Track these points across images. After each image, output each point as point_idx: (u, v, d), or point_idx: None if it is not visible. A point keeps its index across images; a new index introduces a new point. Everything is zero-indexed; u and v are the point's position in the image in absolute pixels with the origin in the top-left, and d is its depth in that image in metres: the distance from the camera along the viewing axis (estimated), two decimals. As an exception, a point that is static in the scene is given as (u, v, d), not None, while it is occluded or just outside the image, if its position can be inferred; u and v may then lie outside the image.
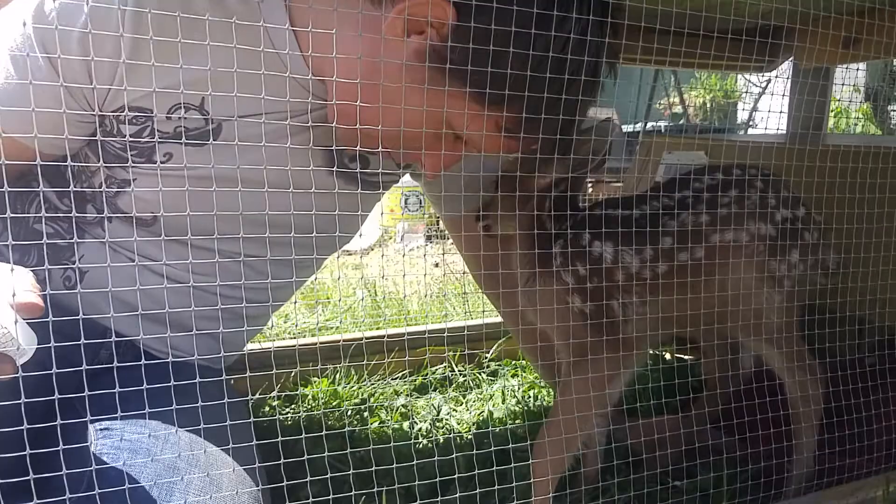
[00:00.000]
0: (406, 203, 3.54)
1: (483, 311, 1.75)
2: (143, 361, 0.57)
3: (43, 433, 0.53)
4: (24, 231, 0.83)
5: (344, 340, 1.34)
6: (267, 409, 1.22)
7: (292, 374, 1.25)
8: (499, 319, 1.47)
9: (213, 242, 0.77)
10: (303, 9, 0.73)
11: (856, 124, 5.53)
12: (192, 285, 0.81)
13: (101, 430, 0.71)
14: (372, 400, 1.29)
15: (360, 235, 0.90)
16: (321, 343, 1.33)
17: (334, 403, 1.26)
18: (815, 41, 1.21)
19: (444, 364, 1.43)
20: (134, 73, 0.70)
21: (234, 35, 0.57)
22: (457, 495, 0.73)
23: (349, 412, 1.23)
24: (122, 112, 0.74)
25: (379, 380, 1.35)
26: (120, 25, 0.67)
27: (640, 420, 1.05)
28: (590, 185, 0.91)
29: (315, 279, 1.93)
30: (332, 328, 1.70)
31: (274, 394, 1.19)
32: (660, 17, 0.70)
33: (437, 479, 0.73)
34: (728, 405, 0.94)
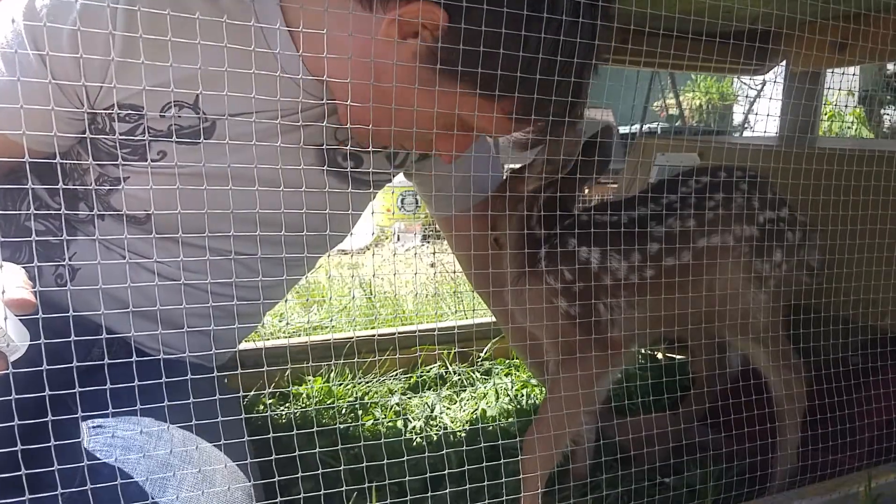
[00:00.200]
0: (402, 203, 3.55)
1: (474, 311, 1.76)
2: (134, 359, 0.58)
3: (35, 430, 0.53)
4: (15, 229, 0.83)
5: (335, 340, 1.35)
6: (261, 406, 1.23)
7: (286, 372, 1.26)
8: (492, 318, 1.48)
9: (206, 240, 0.77)
10: (296, 8, 0.74)
11: (849, 127, 5.56)
12: (183, 283, 0.82)
13: (93, 427, 0.72)
14: (366, 398, 1.30)
15: (352, 235, 0.91)
16: (312, 342, 1.34)
17: (328, 402, 1.27)
18: (804, 46, 1.22)
19: (439, 363, 1.44)
20: (127, 70, 0.69)
21: (227, 34, 0.58)
22: (446, 491, 0.74)
23: (343, 410, 1.24)
24: (115, 109, 0.74)
25: (373, 378, 1.36)
26: (112, 22, 0.67)
27: (627, 417, 1.06)
28: (587, 188, 0.92)
29: (310, 279, 1.94)
30: (326, 328, 1.71)
31: (268, 391, 1.20)
32: (649, 20, 0.71)
33: (428, 475, 0.74)
34: (715, 403, 0.96)
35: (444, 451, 0.74)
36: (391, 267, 2.34)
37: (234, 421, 0.77)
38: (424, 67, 0.68)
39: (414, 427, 1.21)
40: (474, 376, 1.42)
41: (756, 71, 1.59)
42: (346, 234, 0.95)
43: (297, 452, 0.64)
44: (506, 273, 0.88)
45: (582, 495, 0.91)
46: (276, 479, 0.64)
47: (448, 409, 1.30)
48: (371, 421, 1.22)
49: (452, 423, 1.24)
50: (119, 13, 0.68)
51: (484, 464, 0.84)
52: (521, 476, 0.85)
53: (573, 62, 0.70)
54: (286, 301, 1.64)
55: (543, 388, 1.31)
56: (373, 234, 3.18)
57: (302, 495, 0.64)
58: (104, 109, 0.75)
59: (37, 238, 0.82)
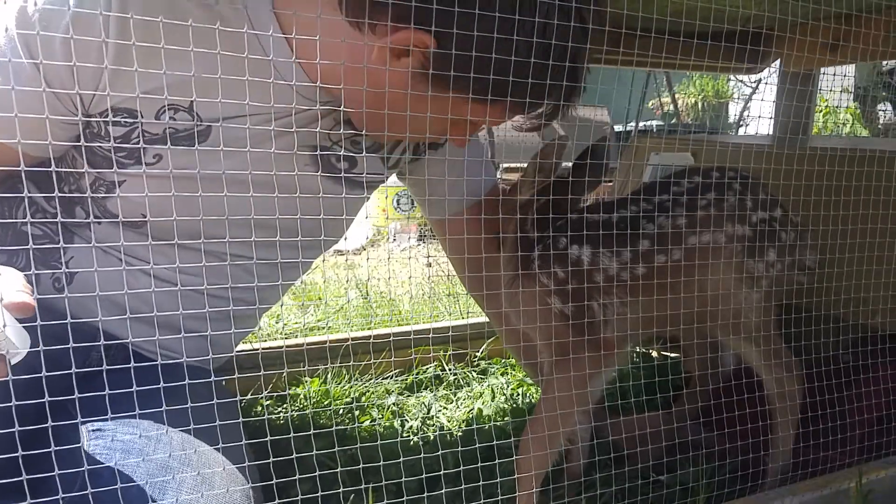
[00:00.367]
0: (398, 203, 3.55)
1: (468, 313, 1.77)
2: (132, 364, 0.58)
3: (35, 435, 0.54)
4: (11, 233, 0.83)
5: (331, 341, 1.35)
6: (259, 408, 1.24)
7: (283, 374, 1.26)
8: (487, 319, 1.49)
9: (202, 243, 0.78)
10: (289, 14, 0.75)
11: (844, 124, 5.58)
12: (180, 286, 0.82)
13: (93, 430, 0.72)
14: (363, 399, 1.31)
15: (346, 239, 0.92)
16: (309, 344, 1.35)
17: (325, 403, 1.28)
18: (797, 47, 1.23)
19: (435, 363, 1.45)
20: (121, 74, 0.70)
21: (222, 38, 0.59)
22: (442, 491, 0.75)
23: (340, 411, 1.24)
24: (109, 114, 0.74)
25: (370, 379, 1.37)
26: (104, 27, 0.67)
27: (621, 417, 1.07)
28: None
29: (306, 280, 1.94)
30: (323, 328, 1.72)
31: (265, 394, 1.21)
32: (641, 21, 0.72)
33: (424, 476, 0.75)
34: (708, 402, 0.97)
35: (440, 452, 0.74)
36: (387, 267, 2.35)
37: (233, 423, 0.78)
38: (420, 80, 0.70)
39: (411, 427, 1.22)
40: (470, 376, 1.43)
41: (749, 71, 1.60)
42: (341, 236, 0.95)
43: (294, 455, 0.65)
44: (499, 276, 0.89)
45: (576, 494, 0.92)
46: (274, 481, 0.64)
47: (445, 408, 1.30)
48: (368, 421, 1.23)
49: (449, 422, 1.25)
50: (112, 17, 0.68)
51: (479, 464, 0.85)
52: (516, 476, 0.86)
53: (564, 65, 0.71)
54: (282, 305, 1.65)
55: (539, 388, 1.32)
56: (367, 238, 3.18)
57: (300, 497, 0.65)
58: (99, 114, 0.75)
59: (34, 244, 0.82)
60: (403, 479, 0.72)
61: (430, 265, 2.63)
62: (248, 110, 0.73)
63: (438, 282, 2.12)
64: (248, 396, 1.23)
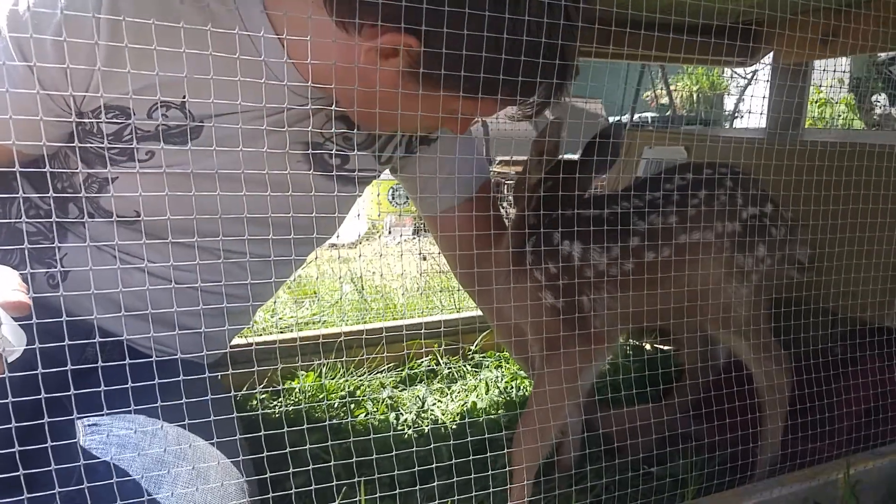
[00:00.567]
0: (393, 197, 3.55)
1: (459, 309, 1.77)
2: (127, 361, 0.59)
3: (32, 431, 0.54)
4: (6, 231, 0.83)
5: (326, 335, 1.36)
6: (255, 402, 1.24)
7: (278, 369, 1.27)
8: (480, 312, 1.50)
9: (196, 240, 0.78)
10: (280, 14, 0.75)
11: (840, 116, 5.58)
12: (174, 282, 0.82)
13: (89, 425, 0.73)
14: (358, 392, 1.32)
15: (338, 236, 0.92)
16: (303, 339, 1.35)
17: (321, 397, 1.28)
18: (789, 42, 1.24)
19: (430, 357, 1.46)
20: (113, 71, 0.70)
21: (214, 37, 0.59)
22: (434, 484, 0.76)
23: (335, 405, 1.25)
24: (102, 111, 0.74)
25: (365, 373, 1.38)
26: (96, 25, 0.67)
27: (611, 410, 1.08)
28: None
29: (301, 274, 1.95)
30: (318, 322, 1.72)
31: (259, 389, 1.21)
32: (630, 17, 0.72)
33: (416, 469, 0.76)
34: (698, 395, 0.98)
35: (433, 445, 0.75)
36: (382, 261, 2.35)
37: (228, 418, 0.78)
38: (409, 80, 0.71)
39: (405, 420, 1.23)
40: (465, 369, 1.44)
41: (741, 63, 1.60)
42: (333, 233, 0.96)
43: (287, 449, 0.66)
44: (492, 273, 0.90)
45: (568, 486, 0.93)
46: (268, 475, 0.65)
47: (439, 401, 1.32)
48: (363, 414, 1.24)
49: (443, 415, 1.26)
50: (103, 13, 0.68)
51: (471, 457, 0.86)
52: (508, 469, 0.87)
53: (555, 61, 0.71)
54: (276, 298, 1.65)
55: (533, 381, 1.34)
56: (358, 235, 3.18)
57: (294, 490, 0.66)
58: (91, 111, 0.75)
59: (28, 239, 0.83)
60: (396, 472, 0.73)
61: (424, 258, 2.63)
62: (240, 108, 0.73)
63: (433, 276, 2.13)
64: (244, 391, 1.24)
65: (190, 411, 0.62)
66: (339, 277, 1.99)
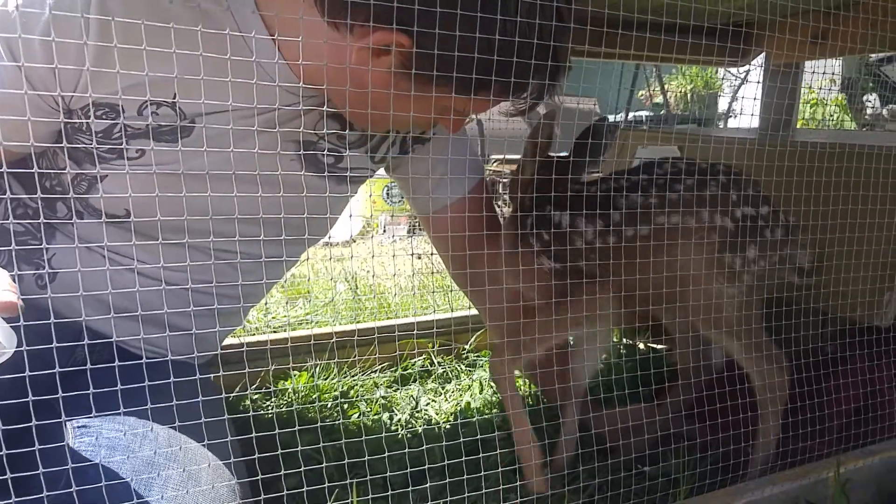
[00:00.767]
0: (388, 194, 3.54)
1: (452, 308, 1.77)
2: (117, 363, 0.58)
3: (21, 433, 0.54)
4: None
5: (316, 336, 1.36)
6: (248, 403, 1.24)
7: (270, 369, 1.26)
8: (475, 312, 1.50)
9: (186, 239, 0.78)
10: (272, 10, 0.75)
11: (831, 116, 5.61)
12: (164, 282, 0.82)
13: (78, 427, 0.72)
14: (352, 392, 1.32)
15: (330, 238, 0.92)
16: (295, 339, 1.35)
17: (314, 397, 1.28)
18: (780, 43, 1.25)
19: (424, 356, 1.46)
20: (104, 66, 0.69)
21: (206, 36, 0.58)
22: (427, 485, 0.76)
23: (328, 405, 1.25)
24: (92, 108, 0.74)
25: (358, 373, 1.38)
26: (84, 23, 0.67)
27: (604, 409, 1.08)
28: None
29: (294, 273, 1.94)
30: (311, 322, 1.72)
31: (251, 390, 1.21)
32: (622, 18, 0.72)
33: (409, 470, 0.76)
34: (691, 395, 0.98)
35: (425, 446, 0.75)
36: (377, 260, 2.34)
37: (219, 419, 0.78)
38: (401, 78, 0.70)
39: (399, 420, 1.22)
40: (459, 368, 1.44)
41: (732, 64, 1.61)
42: (326, 233, 0.96)
43: (279, 451, 0.66)
44: (483, 273, 0.90)
45: (561, 486, 0.93)
46: (260, 476, 0.65)
47: (433, 401, 1.31)
48: (357, 414, 1.24)
49: (437, 415, 1.26)
50: (92, 12, 0.67)
51: (464, 458, 0.86)
52: (516, 448, 0.89)
53: (547, 45, 0.71)
54: (269, 297, 1.65)
55: (527, 380, 1.34)
56: (350, 235, 3.17)
57: (286, 492, 0.66)
58: (80, 109, 0.74)
59: (16, 239, 0.82)
60: (389, 473, 0.73)
61: (419, 257, 2.63)
62: (231, 107, 0.73)
63: (428, 275, 2.13)
64: (236, 391, 1.23)
65: (181, 413, 0.61)
66: (332, 278, 1.98)
